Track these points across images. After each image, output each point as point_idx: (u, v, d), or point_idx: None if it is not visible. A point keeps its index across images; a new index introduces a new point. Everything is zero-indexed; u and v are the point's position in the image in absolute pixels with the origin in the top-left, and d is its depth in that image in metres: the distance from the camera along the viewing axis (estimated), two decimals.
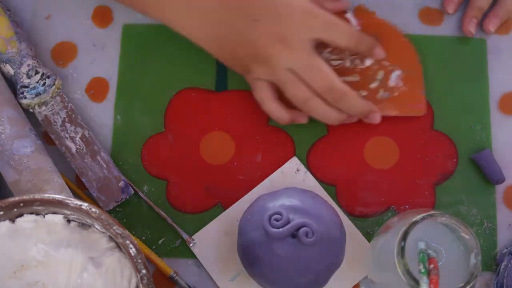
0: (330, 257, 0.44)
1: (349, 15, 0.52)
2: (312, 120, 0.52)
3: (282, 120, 0.50)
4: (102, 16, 0.56)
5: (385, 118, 0.53)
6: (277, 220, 0.44)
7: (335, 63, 0.50)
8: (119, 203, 0.51)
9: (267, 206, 0.45)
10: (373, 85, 0.51)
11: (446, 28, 0.55)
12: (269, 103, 0.50)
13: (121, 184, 0.51)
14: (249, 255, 0.45)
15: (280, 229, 0.43)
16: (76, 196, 0.51)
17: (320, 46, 0.49)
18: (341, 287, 0.49)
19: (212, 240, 0.51)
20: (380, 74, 0.50)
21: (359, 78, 0.51)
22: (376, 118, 0.50)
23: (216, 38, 0.49)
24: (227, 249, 0.51)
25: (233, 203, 0.52)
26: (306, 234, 0.43)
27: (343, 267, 0.48)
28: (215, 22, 0.48)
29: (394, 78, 0.50)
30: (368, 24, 0.52)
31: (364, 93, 0.50)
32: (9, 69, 0.51)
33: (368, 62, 0.51)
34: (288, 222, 0.43)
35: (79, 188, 0.52)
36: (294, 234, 0.44)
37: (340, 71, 0.50)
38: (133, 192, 0.51)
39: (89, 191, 0.51)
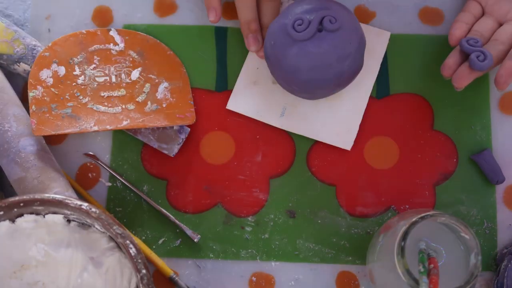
0: (357, 34, 0.47)
1: (112, 32, 0.53)
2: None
3: None
4: (102, 16, 0.56)
5: (385, 118, 0.53)
6: (299, 24, 0.46)
7: (100, 79, 0.51)
8: (181, 144, 0.52)
9: (285, 21, 0.47)
10: (141, 98, 0.51)
11: (446, 28, 0.55)
12: None
13: (176, 127, 0.52)
14: (291, 71, 0.47)
15: (306, 31, 0.46)
16: (78, 194, 0.51)
17: (83, 63, 0.51)
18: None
19: (246, 93, 0.53)
20: (147, 87, 0.52)
21: (125, 92, 0.51)
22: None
23: None
24: (264, 95, 0.53)
25: (233, 203, 0.52)
26: (330, 21, 0.46)
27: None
28: None
29: (161, 90, 0.52)
30: (133, 41, 0.54)
31: (132, 106, 0.51)
32: (24, 66, 0.51)
33: (134, 76, 0.51)
34: (309, 23, 0.46)
35: (81, 186, 0.52)
36: (319, 29, 0.47)
37: (106, 87, 0.51)
38: (189, 129, 0.52)
39: (150, 145, 0.52)
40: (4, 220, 0.42)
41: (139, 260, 0.40)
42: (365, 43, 0.49)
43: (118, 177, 0.52)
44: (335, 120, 0.52)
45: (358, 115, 0.52)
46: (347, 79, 0.49)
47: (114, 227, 0.41)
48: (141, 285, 0.40)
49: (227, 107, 0.53)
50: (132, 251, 0.40)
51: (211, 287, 0.51)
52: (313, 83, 0.48)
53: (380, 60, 0.53)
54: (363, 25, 0.54)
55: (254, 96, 0.53)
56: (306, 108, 0.53)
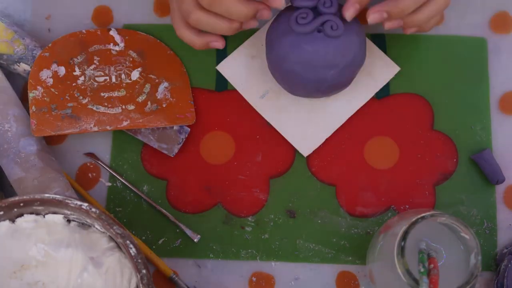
0: (353, 51, 0.47)
1: (112, 32, 0.53)
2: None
3: (195, 45, 0.50)
4: (102, 16, 0.56)
5: (385, 118, 0.53)
6: (303, 17, 0.46)
7: (99, 79, 0.51)
8: (181, 144, 0.52)
9: (291, 12, 0.47)
10: (141, 98, 0.51)
11: (446, 28, 0.55)
12: (180, 29, 0.49)
13: (176, 127, 0.52)
14: (280, 57, 0.47)
15: (307, 25, 0.46)
16: (78, 194, 0.51)
17: (84, 63, 0.51)
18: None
19: (240, 63, 0.54)
20: (147, 87, 0.52)
21: (125, 93, 0.51)
22: (265, 14, 0.48)
23: None
24: (255, 71, 0.53)
25: (233, 203, 0.52)
26: (331, 27, 0.46)
27: (360, 77, 0.52)
28: None
29: (162, 90, 0.52)
30: (133, 40, 0.54)
31: (132, 106, 0.51)
32: (24, 66, 0.51)
33: (134, 76, 0.52)
34: (313, 18, 0.46)
35: (81, 186, 0.52)
36: (320, 29, 0.46)
37: (106, 87, 0.51)
38: (189, 129, 0.52)
39: (150, 145, 0.52)
40: (4, 220, 0.42)
41: (139, 260, 0.40)
42: (362, 61, 0.49)
43: (118, 177, 0.52)
44: (308, 123, 0.52)
45: (331, 127, 0.52)
46: (328, 89, 0.48)
47: (114, 227, 0.41)
48: (141, 285, 0.40)
49: (216, 67, 0.53)
50: (132, 251, 0.40)
51: (211, 287, 0.51)
52: (292, 76, 0.48)
53: (378, 88, 0.53)
54: (377, 50, 0.53)
55: (245, 68, 0.53)
56: (286, 101, 0.53)
